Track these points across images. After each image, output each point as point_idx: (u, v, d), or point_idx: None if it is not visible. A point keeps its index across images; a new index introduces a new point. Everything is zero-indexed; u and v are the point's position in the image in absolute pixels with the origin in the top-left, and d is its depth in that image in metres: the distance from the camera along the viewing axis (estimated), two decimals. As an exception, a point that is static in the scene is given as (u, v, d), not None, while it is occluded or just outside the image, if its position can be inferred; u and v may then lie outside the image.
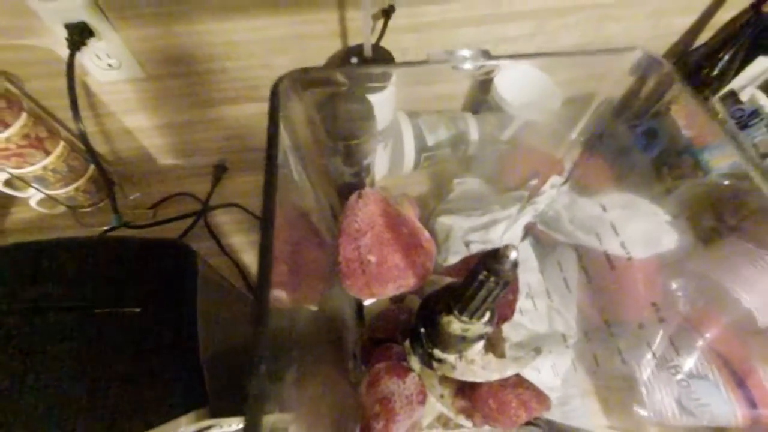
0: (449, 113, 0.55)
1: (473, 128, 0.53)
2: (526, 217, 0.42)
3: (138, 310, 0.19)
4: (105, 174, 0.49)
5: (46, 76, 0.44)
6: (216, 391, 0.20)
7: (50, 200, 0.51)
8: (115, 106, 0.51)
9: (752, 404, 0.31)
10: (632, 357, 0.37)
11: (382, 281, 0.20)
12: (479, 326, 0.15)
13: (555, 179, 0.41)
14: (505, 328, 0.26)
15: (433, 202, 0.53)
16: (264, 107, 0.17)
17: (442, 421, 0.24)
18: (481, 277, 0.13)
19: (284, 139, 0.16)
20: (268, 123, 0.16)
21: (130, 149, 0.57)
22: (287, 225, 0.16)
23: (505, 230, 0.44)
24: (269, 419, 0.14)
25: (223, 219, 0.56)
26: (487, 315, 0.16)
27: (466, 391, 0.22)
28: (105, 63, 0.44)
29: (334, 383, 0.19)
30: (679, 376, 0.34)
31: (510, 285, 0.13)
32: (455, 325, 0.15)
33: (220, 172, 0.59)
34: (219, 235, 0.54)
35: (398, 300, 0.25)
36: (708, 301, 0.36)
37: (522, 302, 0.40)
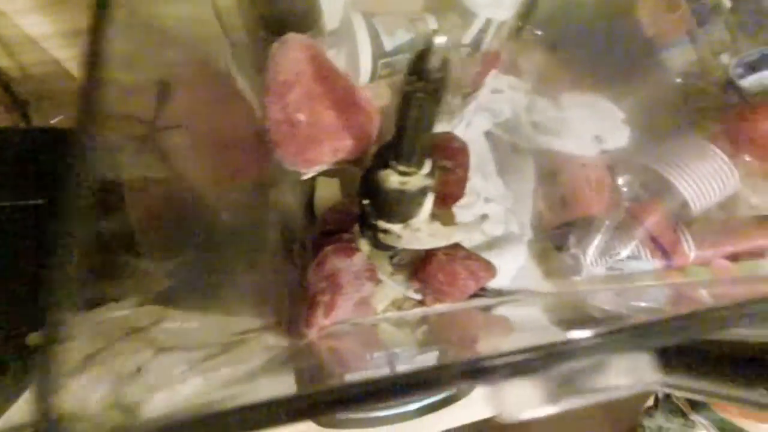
0: (408, 14, 0.50)
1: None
2: (483, 121, 0.41)
3: (42, 201, 0.16)
4: (9, 89, 0.41)
5: None
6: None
7: (-53, 123, 0.44)
8: (4, 3, 0.42)
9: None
10: (580, 250, 0.40)
11: (316, 142, 0.18)
12: (419, 178, 0.15)
13: (493, 73, 0.40)
14: (462, 235, 0.26)
15: (394, 117, 0.50)
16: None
17: (397, 305, 0.24)
18: (408, 89, 0.12)
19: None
20: None
21: (38, 63, 0.49)
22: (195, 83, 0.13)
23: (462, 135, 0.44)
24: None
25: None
26: (427, 165, 0.15)
27: (417, 273, 0.22)
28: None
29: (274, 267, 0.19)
30: (617, 258, 0.37)
31: (441, 94, 0.12)
32: (393, 178, 0.14)
33: (162, 89, 0.52)
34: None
35: (350, 195, 0.24)
36: (650, 193, 0.38)
37: (480, 207, 0.40)
